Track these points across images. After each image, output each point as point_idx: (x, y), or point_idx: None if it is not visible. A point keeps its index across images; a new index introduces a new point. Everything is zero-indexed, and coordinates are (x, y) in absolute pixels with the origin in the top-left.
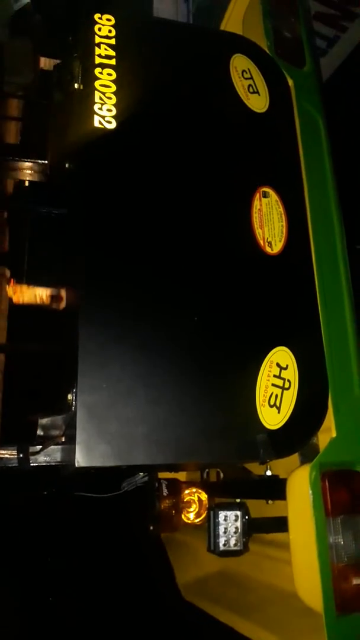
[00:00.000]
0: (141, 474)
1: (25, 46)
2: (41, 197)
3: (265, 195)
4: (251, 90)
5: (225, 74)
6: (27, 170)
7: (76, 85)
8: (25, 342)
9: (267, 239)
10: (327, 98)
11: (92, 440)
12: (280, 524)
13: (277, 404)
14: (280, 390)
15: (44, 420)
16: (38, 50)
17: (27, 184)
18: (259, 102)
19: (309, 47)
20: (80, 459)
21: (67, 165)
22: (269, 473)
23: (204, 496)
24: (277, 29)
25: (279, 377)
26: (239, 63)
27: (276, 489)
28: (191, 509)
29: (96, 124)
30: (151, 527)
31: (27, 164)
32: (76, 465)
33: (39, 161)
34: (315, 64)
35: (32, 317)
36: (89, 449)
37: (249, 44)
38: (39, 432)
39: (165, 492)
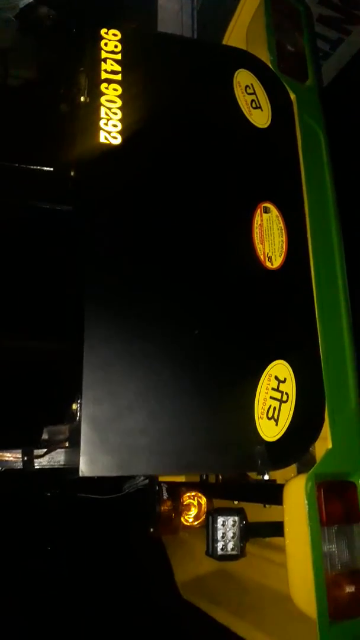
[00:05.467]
0: (142, 477)
1: (30, 40)
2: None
3: (266, 210)
4: (254, 105)
5: (228, 89)
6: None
7: (82, 99)
8: (29, 346)
9: (268, 253)
10: (329, 102)
11: (96, 452)
12: (277, 528)
13: (275, 416)
14: (278, 403)
15: (49, 426)
16: (43, 44)
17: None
18: (261, 118)
19: (311, 60)
20: (85, 470)
21: (71, 173)
22: (266, 477)
23: (203, 500)
24: (280, 43)
25: (277, 390)
26: (243, 78)
27: (273, 494)
28: (190, 512)
29: (102, 139)
30: (151, 529)
31: (32, 169)
32: (80, 475)
33: (44, 168)
34: (317, 77)
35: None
36: (92, 460)
37: (252, 59)
38: (44, 436)
39: (165, 495)
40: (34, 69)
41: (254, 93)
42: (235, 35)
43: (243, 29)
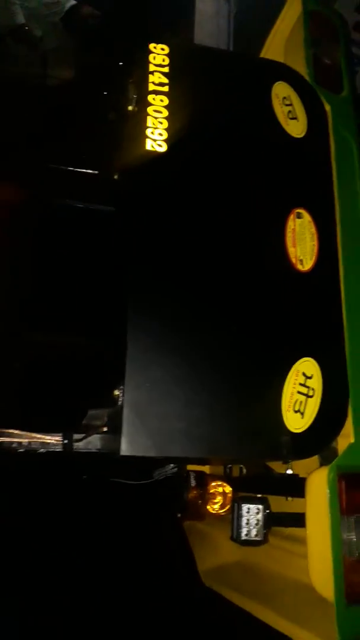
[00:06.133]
0: (171, 465)
1: (72, 42)
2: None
3: (299, 216)
4: (291, 116)
5: (267, 100)
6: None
7: (130, 108)
8: (73, 338)
9: (299, 257)
10: None
11: (136, 433)
12: (298, 519)
13: (302, 409)
14: (305, 397)
15: (90, 411)
16: (85, 45)
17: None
18: (297, 128)
19: (347, 72)
20: (125, 449)
21: (115, 177)
22: (289, 472)
23: (228, 489)
24: (317, 56)
25: (304, 385)
26: (280, 90)
27: (296, 487)
28: (216, 500)
29: (148, 146)
30: (178, 515)
31: (78, 172)
32: (121, 454)
33: (89, 171)
34: (352, 89)
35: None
36: (132, 441)
37: (290, 72)
38: (84, 421)
39: (193, 483)
40: (73, 70)
41: (291, 104)
42: (274, 46)
43: (282, 41)
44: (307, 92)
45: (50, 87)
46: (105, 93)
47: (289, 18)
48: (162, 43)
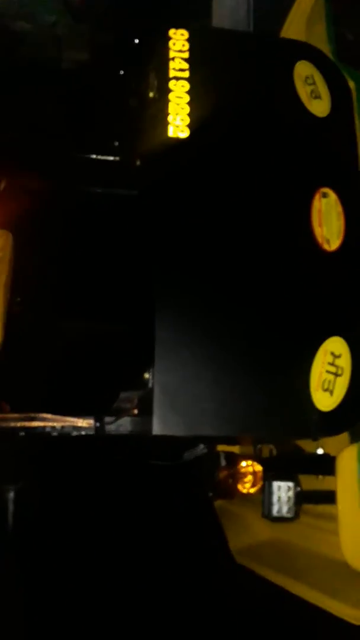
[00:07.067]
0: (202, 445)
1: (85, 26)
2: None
3: (324, 195)
4: (314, 95)
5: (289, 81)
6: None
7: (151, 95)
8: (102, 321)
9: (326, 236)
10: None
11: (167, 414)
12: (328, 496)
13: (330, 388)
14: (333, 376)
15: (122, 394)
16: (98, 27)
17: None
18: (321, 107)
19: None
20: (157, 429)
21: (137, 163)
22: (320, 451)
23: (258, 468)
24: (339, 32)
25: (332, 364)
26: (303, 69)
27: (326, 466)
28: (246, 480)
29: (170, 133)
30: (210, 494)
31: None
32: (153, 433)
33: (111, 158)
34: None
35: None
36: (163, 421)
37: (312, 51)
38: (115, 404)
39: (223, 463)
40: (88, 52)
41: (314, 83)
42: (295, 23)
43: (303, 18)
44: (330, 70)
45: (66, 70)
46: (122, 73)
47: None
48: (181, 28)
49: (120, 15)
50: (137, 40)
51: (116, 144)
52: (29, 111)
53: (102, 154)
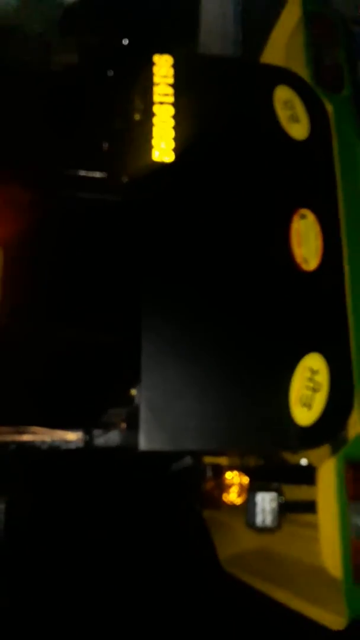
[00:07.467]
0: (189, 457)
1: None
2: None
3: (303, 216)
4: (293, 119)
5: (269, 105)
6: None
7: (137, 117)
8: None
9: (304, 256)
10: None
11: (153, 430)
12: (310, 506)
13: (309, 403)
14: (312, 392)
15: (108, 409)
16: (84, 32)
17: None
18: (299, 131)
19: (348, 70)
20: (143, 445)
21: (123, 179)
22: (304, 462)
23: (244, 479)
24: (318, 57)
25: (311, 380)
26: (282, 94)
27: (308, 475)
28: (232, 490)
29: (155, 157)
30: (197, 505)
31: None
32: (139, 449)
33: (97, 173)
34: (354, 86)
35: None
36: (150, 437)
37: (291, 76)
38: (103, 418)
39: (209, 474)
40: (76, 54)
41: (293, 107)
42: (275, 48)
43: (282, 43)
44: (308, 95)
45: (54, 73)
46: (110, 74)
47: (289, 20)
48: (166, 53)
49: (108, 20)
50: (125, 41)
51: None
52: (14, 118)
53: (89, 169)
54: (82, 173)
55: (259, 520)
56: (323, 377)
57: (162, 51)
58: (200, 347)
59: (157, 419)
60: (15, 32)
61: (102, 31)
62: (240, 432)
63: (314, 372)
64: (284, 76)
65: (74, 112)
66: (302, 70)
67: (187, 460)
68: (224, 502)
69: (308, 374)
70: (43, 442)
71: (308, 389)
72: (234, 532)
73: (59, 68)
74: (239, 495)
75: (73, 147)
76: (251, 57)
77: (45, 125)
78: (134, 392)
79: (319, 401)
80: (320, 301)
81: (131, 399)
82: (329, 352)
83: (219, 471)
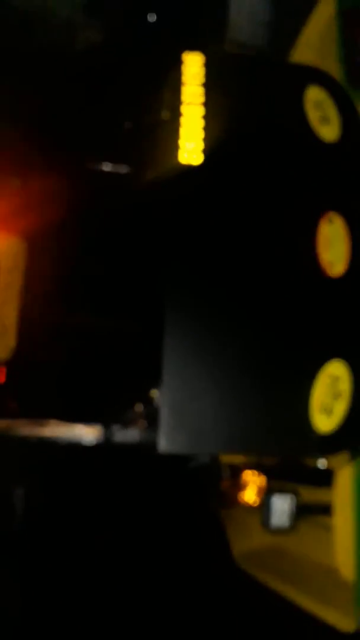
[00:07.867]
0: (207, 456)
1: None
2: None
3: (331, 220)
4: (323, 121)
5: (299, 106)
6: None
7: (165, 116)
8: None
9: (331, 261)
10: None
11: (173, 432)
12: (325, 509)
13: (330, 410)
14: (333, 399)
15: (128, 406)
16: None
17: None
18: (330, 132)
19: None
20: (163, 446)
21: (148, 176)
22: (321, 464)
23: (261, 479)
24: (350, 56)
25: (333, 387)
26: (313, 95)
27: (325, 478)
28: (249, 490)
29: (182, 158)
30: (214, 503)
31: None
32: (159, 451)
33: (122, 168)
34: None
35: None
36: (170, 439)
37: (323, 76)
38: (123, 414)
39: (227, 473)
40: (102, 32)
41: (324, 109)
42: (307, 46)
43: (315, 39)
44: (340, 95)
45: (80, 54)
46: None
47: (323, 16)
48: (196, 50)
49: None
50: (152, 17)
51: (129, 151)
52: (41, 105)
53: (114, 161)
54: (107, 167)
55: (274, 521)
56: (345, 385)
57: (191, 48)
58: (222, 350)
59: (177, 421)
60: (42, 15)
61: (128, 9)
62: (259, 437)
63: (336, 379)
64: (316, 76)
65: (99, 100)
66: (334, 69)
67: (204, 459)
68: (240, 502)
69: (330, 381)
70: (62, 437)
71: (329, 395)
72: (249, 529)
73: (84, 47)
74: (256, 495)
75: (98, 138)
76: (280, 39)
77: (70, 114)
78: (155, 392)
79: (340, 409)
80: (345, 307)
81: (152, 399)
82: (353, 359)
83: (235, 470)
